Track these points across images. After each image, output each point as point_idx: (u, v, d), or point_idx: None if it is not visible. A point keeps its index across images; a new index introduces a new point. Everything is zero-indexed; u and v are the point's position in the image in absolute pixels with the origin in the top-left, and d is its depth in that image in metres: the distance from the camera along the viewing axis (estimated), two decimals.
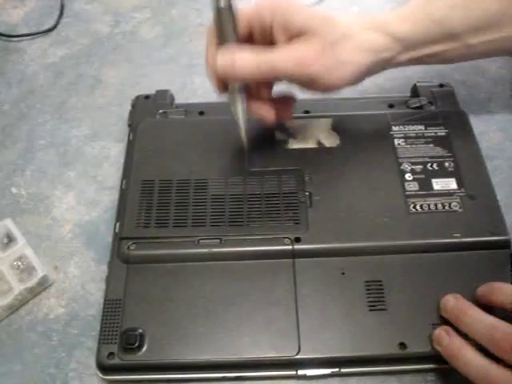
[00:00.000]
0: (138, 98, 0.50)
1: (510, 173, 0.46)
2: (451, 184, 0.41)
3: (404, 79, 0.51)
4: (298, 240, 0.39)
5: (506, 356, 0.29)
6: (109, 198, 0.46)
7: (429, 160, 0.43)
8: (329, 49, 0.36)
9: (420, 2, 0.39)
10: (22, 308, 0.40)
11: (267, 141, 0.45)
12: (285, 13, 0.36)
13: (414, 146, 0.44)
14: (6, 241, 0.41)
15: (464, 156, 0.43)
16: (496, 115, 0.50)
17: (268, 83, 0.39)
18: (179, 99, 0.51)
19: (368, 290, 0.37)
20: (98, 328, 0.36)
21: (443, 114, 0.46)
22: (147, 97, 0.49)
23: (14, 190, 0.47)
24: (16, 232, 0.42)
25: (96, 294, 0.40)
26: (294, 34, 0.36)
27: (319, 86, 0.37)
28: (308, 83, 0.37)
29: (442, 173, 0.42)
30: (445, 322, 0.34)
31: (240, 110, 0.38)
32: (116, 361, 0.35)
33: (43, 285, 0.40)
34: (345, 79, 0.37)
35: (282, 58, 0.35)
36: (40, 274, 0.40)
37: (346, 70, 0.37)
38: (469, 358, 0.31)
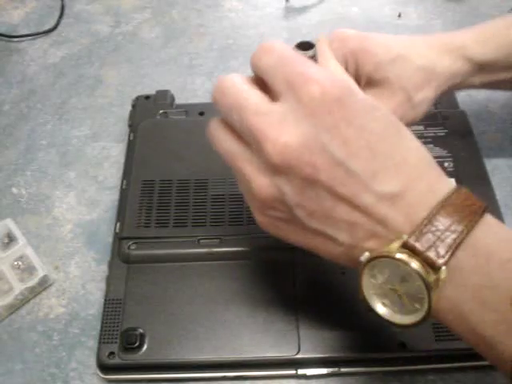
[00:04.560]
0: (138, 98, 0.50)
1: (510, 173, 0.46)
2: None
3: None
4: None
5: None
6: (109, 198, 0.46)
7: None
8: (406, 101, 0.36)
9: (501, 25, 0.38)
10: (22, 308, 0.40)
11: None
12: (355, 60, 0.35)
13: None
14: (6, 241, 0.42)
15: (463, 156, 0.43)
16: (496, 115, 0.50)
17: None
18: (179, 99, 0.51)
19: None
20: (99, 327, 0.37)
21: (443, 114, 0.46)
22: (147, 97, 0.50)
23: (14, 190, 0.47)
24: (17, 232, 0.42)
25: (96, 293, 0.40)
26: (363, 84, 0.35)
27: None
28: None
29: None
30: None
31: None
32: (116, 360, 0.35)
33: (44, 284, 0.40)
34: (418, 118, 0.37)
35: None
36: (40, 273, 0.40)
37: (421, 110, 0.37)
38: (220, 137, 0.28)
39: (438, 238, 0.24)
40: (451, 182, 0.27)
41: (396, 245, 0.25)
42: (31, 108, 0.53)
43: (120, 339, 0.35)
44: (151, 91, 0.50)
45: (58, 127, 0.52)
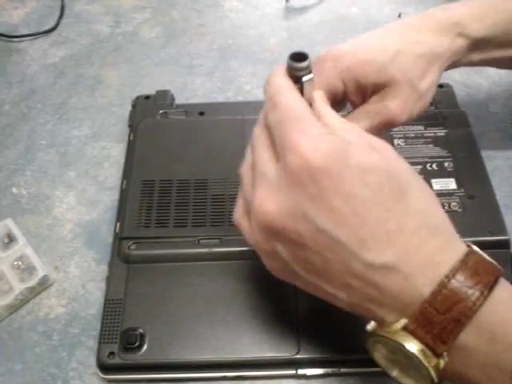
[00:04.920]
0: (138, 98, 0.50)
1: (510, 173, 0.46)
2: (451, 184, 0.41)
3: None
4: None
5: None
6: (109, 198, 0.46)
7: (428, 160, 0.43)
8: (413, 92, 0.35)
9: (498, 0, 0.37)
10: (22, 308, 0.40)
11: None
12: (354, 75, 0.34)
13: (413, 146, 0.44)
14: (6, 241, 0.42)
15: (463, 156, 0.43)
16: (495, 115, 0.50)
17: None
18: (179, 99, 0.51)
19: None
20: (99, 328, 0.37)
21: (443, 114, 0.46)
22: (147, 97, 0.50)
23: (14, 190, 0.47)
24: (17, 232, 0.42)
25: (96, 293, 0.40)
26: (370, 92, 0.34)
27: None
28: None
29: (442, 173, 0.42)
30: None
31: None
32: (116, 360, 0.35)
33: (44, 284, 0.40)
34: (427, 105, 0.37)
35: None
36: (40, 273, 0.40)
37: (429, 97, 0.36)
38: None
39: (440, 323, 0.23)
40: (458, 249, 0.25)
41: (397, 326, 0.24)
42: (31, 108, 0.53)
43: (120, 339, 0.35)
44: (151, 91, 0.50)
45: (58, 127, 0.52)
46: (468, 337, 0.23)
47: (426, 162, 0.43)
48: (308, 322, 0.36)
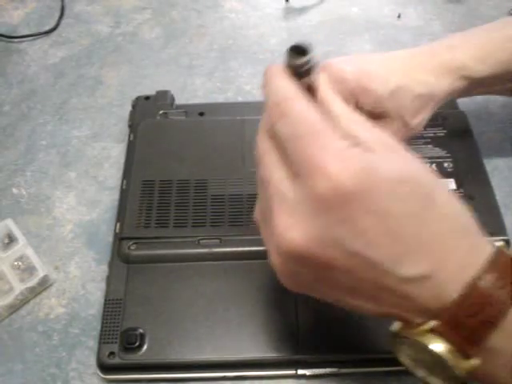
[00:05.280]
0: (138, 98, 0.50)
1: (509, 173, 0.46)
2: (450, 184, 0.42)
3: None
4: None
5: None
6: (109, 198, 0.46)
7: (428, 160, 0.43)
8: (403, 126, 0.36)
9: (499, 38, 0.38)
10: (22, 308, 0.40)
11: None
12: (356, 99, 0.35)
13: (412, 146, 0.44)
14: (6, 241, 0.42)
15: (463, 156, 0.43)
16: (495, 115, 0.50)
17: None
18: (179, 100, 0.51)
19: None
20: (99, 328, 0.37)
21: (442, 115, 0.46)
22: (147, 97, 0.50)
23: (14, 190, 0.47)
24: (17, 232, 0.42)
25: (96, 293, 0.40)
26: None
27: None
28: None
29: (441, 173, 0.42)
30: None
31: None
32: (116, 360, 0.35)
33: (44, 285, 0.41)
34: (414, 134, 0.37)
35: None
36: (41, 273, 0.40)
37: (418, 129, 0.37)
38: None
39: (469, 325, 0.22)
40: (487, 250, 0.24)
41: (425, 327, 0.24)
42: (31, 108, 0.53)
43: (120, 339, 0.35)
44: (151, 92, 0.50)
45: (59, 127, 0.52)
46: (498, 338, 0.23)
47: (426, 163, 0.43)
48: (308, 322, 0.36)
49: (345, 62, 0.35)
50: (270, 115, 0.26)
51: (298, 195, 0.24)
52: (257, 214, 0.29)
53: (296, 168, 0.24)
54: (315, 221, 0.23)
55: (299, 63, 0.25)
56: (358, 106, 0.35)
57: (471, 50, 0.37)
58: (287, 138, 0.24)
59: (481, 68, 0.37)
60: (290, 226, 0.24)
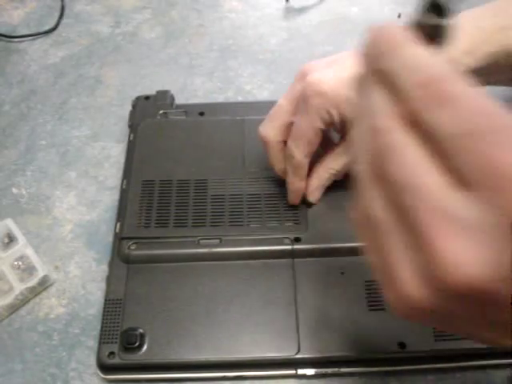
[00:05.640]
0: (138, 98, 0.50)
1: None
2: None
3: None
4: (297, 240, 0.39)
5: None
6: (109, 198, 0.46)
7: None
8: None
9: (490, 28, 0.36)
10: (22, 308, 0.40)
11: None
12: (338, 111, 0.35)
13: None
14: (6, 241, 0.42)
15: None
16: None
17: None
18: (179, 100, 0.51)
19: (368, 289, 0.37)
20: (99, 328, 0.37)
21: None
22: (147, 97, 0.50)
23: (14, 190, 0.47)
24: (17, 232, 0.42)
25: (96, 293, 0.40)
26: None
27: None
28: None
29: None
30: None
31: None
32: (116, 360, 0.35)
33: (44, 284, 0.41)
34: None
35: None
36: (41, 273, 0.40)
37: None
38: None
39: None
40: None
41: None
42: (31, 108, 0.53)
43: (120, 339, 0.35)
44: (151, 91, 0.50)
45: (58, 127, 0.52)
46: None
47: None
48: (308, 322, 0.36)
49: (318, 73, 0.35)
50: (409, 98, 0.19)
51: (480, 214, 0.17)
52: (358, 215, 0.23)
53: (467, 175, 0.18)
54: (503, 251, 0.17)
55: (442, 24, 0.19)
56: (343, 119, 0.35)
57: (462, 43, 0.36)
58: (452, 135, 0.18)
59: (469, 60, 0.36)
60: (466, 258, 0.18)
